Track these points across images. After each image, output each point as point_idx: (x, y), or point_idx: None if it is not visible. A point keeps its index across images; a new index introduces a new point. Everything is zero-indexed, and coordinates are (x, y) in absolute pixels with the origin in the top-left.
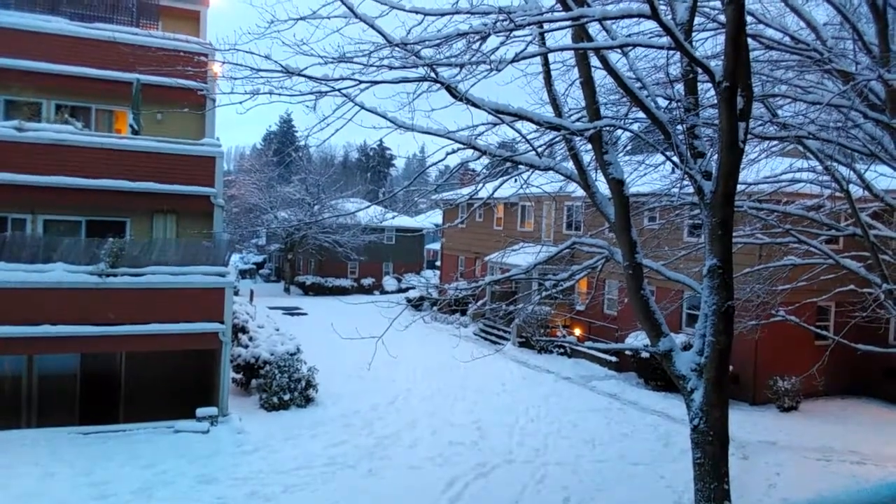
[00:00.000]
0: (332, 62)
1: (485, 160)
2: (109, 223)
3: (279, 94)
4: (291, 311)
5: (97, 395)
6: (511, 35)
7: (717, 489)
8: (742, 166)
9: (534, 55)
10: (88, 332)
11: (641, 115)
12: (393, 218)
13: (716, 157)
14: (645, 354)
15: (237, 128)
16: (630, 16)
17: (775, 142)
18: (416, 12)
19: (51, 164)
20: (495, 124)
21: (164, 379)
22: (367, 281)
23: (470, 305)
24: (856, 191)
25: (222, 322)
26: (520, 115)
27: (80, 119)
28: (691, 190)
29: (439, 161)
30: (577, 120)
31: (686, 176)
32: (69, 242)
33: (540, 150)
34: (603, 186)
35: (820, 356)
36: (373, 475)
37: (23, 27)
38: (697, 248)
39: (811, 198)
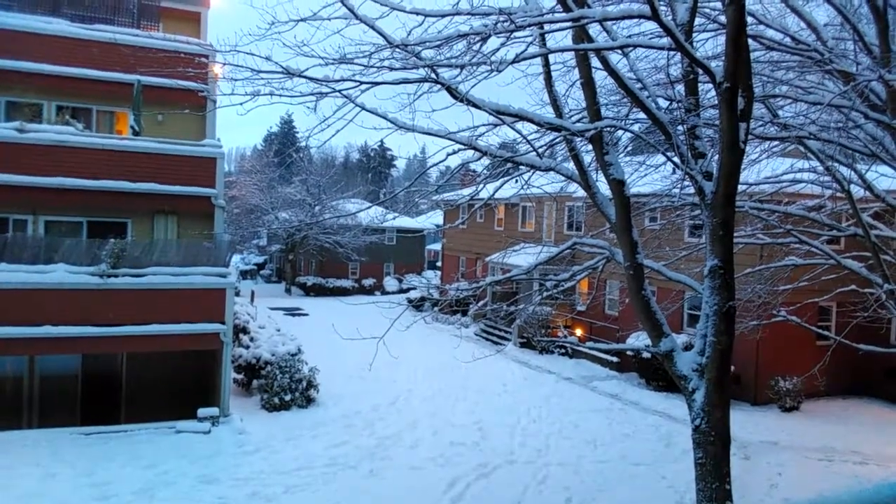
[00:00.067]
0: (332, 63)
1: (486, 161)
2: (110, 224)
3: (280, 96)
4: (292, 312)
5: (98, 396)
6: (511, 36)
7: (718, 489)
8: (743, 167)
9: (534, 56)
10: (90, 332)
11: (642, 115)
12: (394, 218)
13: (717, 157)
14: (646, 355)
15: (238, 129)
16: (630, 17)
17: (776, 142)
18: (417, 13)
19: (52, 165)
20: (496, 125)
21: (166, 379)
22: (368, 281)
23: (471, 306)
24: (857, 191)
25: (223, 323)
26: (520, 116)
27: (81, 120)
28: (692, 190)
29: (440, 162)
30: (578, 121)
31: (687, 176)
32: (70, 243)
33: (541, 150)
34: (604, 187)
35: (821, 356)
36: (374, 476)
37: (24, 29)
38: (698, 248)
39: (812, 198)
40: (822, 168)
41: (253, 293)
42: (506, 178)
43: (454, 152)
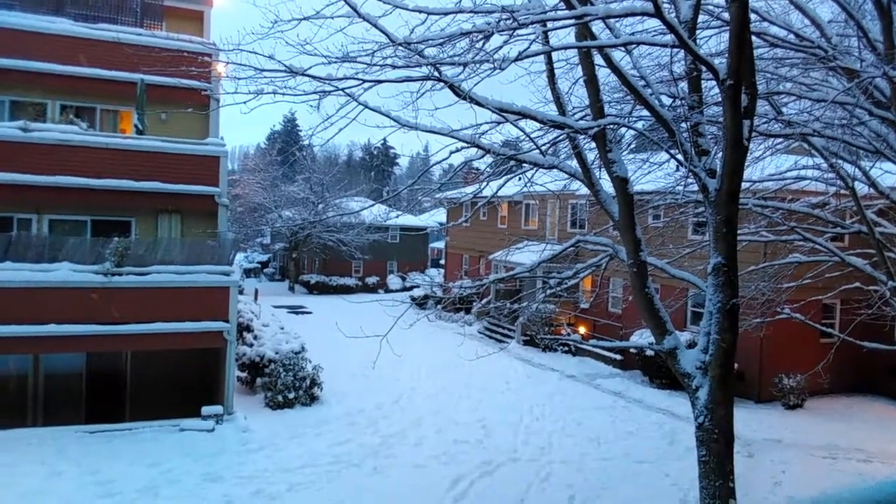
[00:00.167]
0: (335, 62)
1: (489, 159)
2: (114, 223)
3: (283, 94)
4: (296, 310)
5: (103, 394)
6: (514, 34)
7: (722, 487)
8: (747, 164)
9: (537, 54)
10: (94, 331)
11: (645, 113)
12: (397, 217)
13: (720, 154)
14: (650, 352)
15: (241, 127)
16: (634, 14)
17: (780, 139)
18: (420, 11)
19: (56, 164)
20: (499, 123)
21: (170, 378)
22: (371, 279)
23: (474, 304)
24: (861, 188)
25: (227, 321)
26: (523, 114)
27: (85, 119)
28: (696, 188)
29: (443, 160)
30: (581, 118)
31: (690, 174)
32: (74, 242)
33: (544, 148)
34: (607, 185)
35: (825, 354)
36: (378, 474)
37: (27, 28)
38: (702, 245)
39: (816, 195)
40: (826, 165)
41: (256, 291)
42: (509, 176)
43: (457, 150)
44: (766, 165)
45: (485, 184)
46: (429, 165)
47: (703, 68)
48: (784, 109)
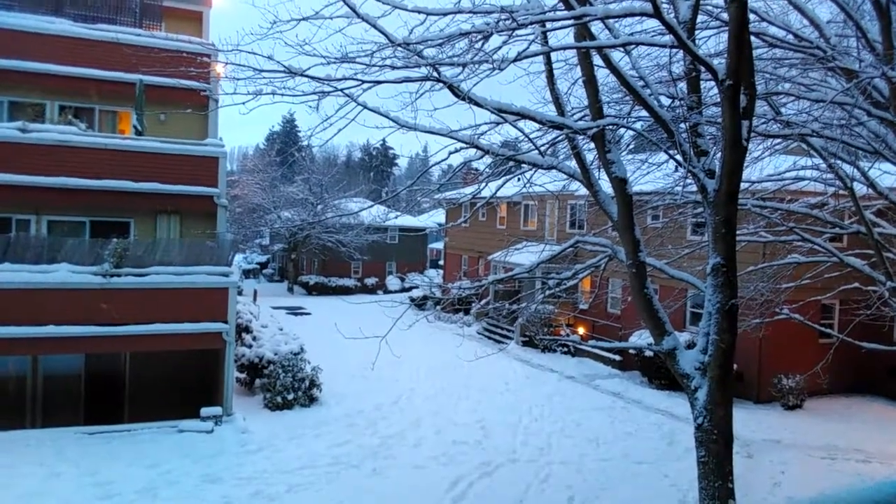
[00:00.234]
0: (334, 62)
1: (488, 159)
2: (113, 223)
3: (282, 95)
4: (295, 311)
5: (102, 395)
6: (513, 34)
7: (721, 487)
8: (745, 164)
9: (536, 54)
10: (93, 332)
11: (644, 113)
12: (396, 217)
13: (719, 155)
14: (649, 353)
15: (240, 128)
16: (632, 14)
17: (779, 140)
18: (419, 12)
19: (55, 164)
20: (498, 123)
21: (169, 379)
22: (370, 280)
23: (473, 304)
24: (860, 188)
25: (226, 322)
26: (522, 114)
27: (84, 120)
28: (694, 188)
29: (442, 160)
30: (580, 119)
31: (689, 174)
32: (73, 243)
33: (543, 148)
34: (606, 185)
35: (824, 354)
36: (377, 475)
37: (26, 29)
38: (701, 246)
39: (815, 196)
40: (825, 165)
41: (255, 292)
42: (508, 177)
43: (456, 151)
44: (765, 166)
45: (484, 184)
46: (428, 166)
47: (702, 69)
48: (783, 110)
